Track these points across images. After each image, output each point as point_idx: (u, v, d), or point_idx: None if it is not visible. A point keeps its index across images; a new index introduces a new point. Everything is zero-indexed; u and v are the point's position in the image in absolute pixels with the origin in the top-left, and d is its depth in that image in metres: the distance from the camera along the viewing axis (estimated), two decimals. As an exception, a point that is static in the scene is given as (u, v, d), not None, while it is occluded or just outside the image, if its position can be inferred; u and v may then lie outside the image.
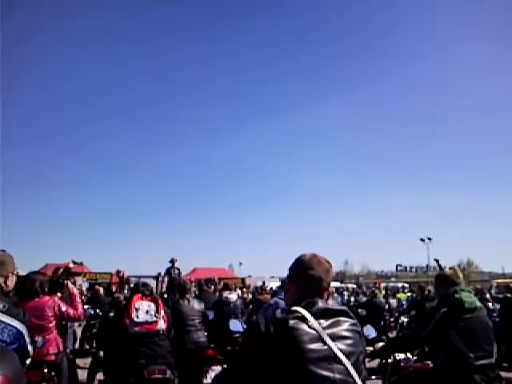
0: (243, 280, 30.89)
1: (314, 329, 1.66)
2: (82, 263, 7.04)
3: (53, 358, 4.56)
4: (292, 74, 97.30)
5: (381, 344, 4.01)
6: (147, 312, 4.60)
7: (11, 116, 75.85)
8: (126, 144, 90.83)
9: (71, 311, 4.72)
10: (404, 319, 10.42)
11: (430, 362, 3.76)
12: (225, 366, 5.37)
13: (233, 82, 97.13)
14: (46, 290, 4.75)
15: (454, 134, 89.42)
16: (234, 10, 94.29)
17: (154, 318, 4.58)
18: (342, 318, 1.77)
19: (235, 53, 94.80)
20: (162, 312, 4.67)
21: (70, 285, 5.47)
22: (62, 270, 6.81)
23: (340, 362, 1.64)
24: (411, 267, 64.47)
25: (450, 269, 4.39)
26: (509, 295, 9.49)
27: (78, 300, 4.95)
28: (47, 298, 4.61)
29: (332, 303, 1.86)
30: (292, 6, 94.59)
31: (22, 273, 4.85)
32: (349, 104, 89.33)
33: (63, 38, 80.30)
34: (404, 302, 18.35)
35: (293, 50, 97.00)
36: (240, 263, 65.13)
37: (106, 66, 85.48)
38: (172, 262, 13.13)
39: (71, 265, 6.48)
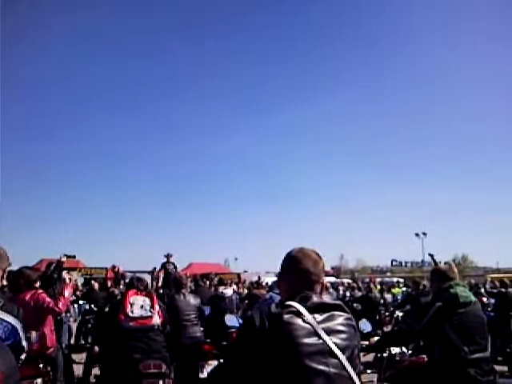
0: (239, 275, 31.01)
1: (308, 323, 1.65)
2: (75, 256, 7.02)
3: (48, 352, 4.56)
4: (289, 71, 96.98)
5: (376, 338, 4.03)
6: (142, 307, 4.59)
7: (8, 112, 75.46)
8: (122, 140, 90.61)
9: (50, 304, 4.56)
10: (399, 314, 10.49)
11: (424, 356, 3.78)
12: (221, 360, 5.39)
13: (231, 79, 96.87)
14: (37, 284, 4.70)
15: (448, 129, 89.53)
16: (232, 8, 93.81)
17: (149, 313, 4.57)
18: (336, 312, 1.76)
19: (233, 50, 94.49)
20: (157, 307, 4.67)
21: (65, 275, 5.45)
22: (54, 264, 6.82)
23: (335, 356, 1.63)
24: (406, 262, 64.52)
25: (445, 264, 4.42)
26: (503, 290, 9.57)
27: (66, 294, 4.85)
28: (30, 292, 4.54)
29: (327, 297, 1.86)
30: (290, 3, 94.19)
31: (16, 268, 4.84)
32: (346, 100, 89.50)
33: (60, 34, 79.58)
34: (399, 297, 18.48)
35: (290, 47, 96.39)
36: (236, 258, 65.01)
37: (104, 63, 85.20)
38: (167, 256, 13.12)
39: (63, 259, 6.47)
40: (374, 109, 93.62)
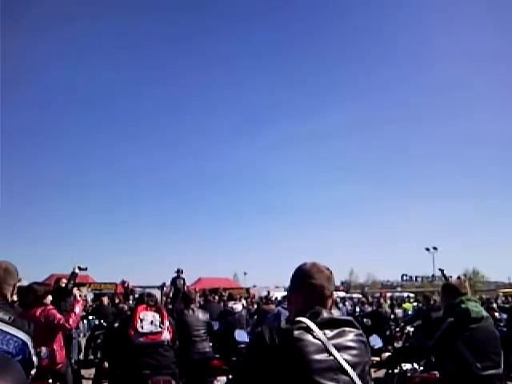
0: (248, 290, 30.97)
1: (319, 339, 1.64)
2: (86, 268, 7.20)
3: (57, 368, 4.56)
4: (289, 82, 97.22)
5: (387, 354, 3.99)
6: (152, 322, 4.59)
7: (16, 121, 76.51)
8: (131, 153, 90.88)
9: (61, 320, 4.56)
10: (410, 329, 10.36)
11: (436, 372, 3.74)
12: (230, 376, 5.36)
13: (230, 90, 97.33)
14: (46, 300, 4.71)
15: (459, 142, 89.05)
16: (238, 13, 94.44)
17: (159, 329, 4.57)
18: (347, 328, 1.75)
19: (232, 59, 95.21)
20: (167, 322, 4.66)
21: (75, 291, 5.47)
22: (63, 278, 6.93)
23: (346, 372, 1.62)
24: (417, 277, 64.09)
25: (457, 278, 4.39)
26: (515, 305, 9.43)
27: (77, 310, 4.82)
28: (40, 308, 4.56)
29: (337, 313, 1.85)
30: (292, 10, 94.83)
31: (26, 284, 4.87)
32: (352, 111, 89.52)
33: (60, 43, 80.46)
34: (410, 312, 18.27)
35: (291, 55, 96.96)
36: (245, 273, 65.15)
37: (108, 69, 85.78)
38: (178, 272, 13.13)
39: (77, 270, 6.62)
40: (380, 120, 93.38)
